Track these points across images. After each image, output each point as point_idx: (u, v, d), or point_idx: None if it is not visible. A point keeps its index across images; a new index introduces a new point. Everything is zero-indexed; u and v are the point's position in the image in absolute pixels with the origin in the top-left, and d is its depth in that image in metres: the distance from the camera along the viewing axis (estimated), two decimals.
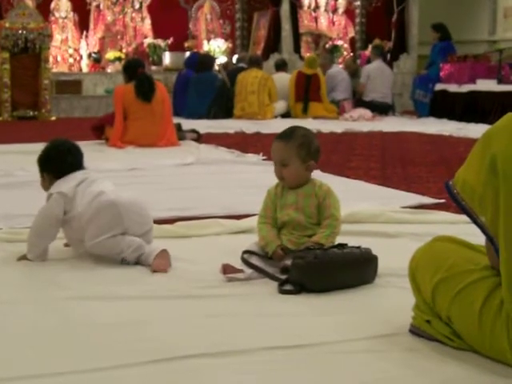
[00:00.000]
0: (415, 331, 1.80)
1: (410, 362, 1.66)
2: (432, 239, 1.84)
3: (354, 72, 11.16)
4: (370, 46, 12.50)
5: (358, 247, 2.29)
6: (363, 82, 10.88)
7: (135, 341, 1.79)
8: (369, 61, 11.62)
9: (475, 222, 1.60)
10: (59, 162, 2.64)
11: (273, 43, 13.00)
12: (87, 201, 2.55)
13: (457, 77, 10.14)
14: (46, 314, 2.01)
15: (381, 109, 10.70)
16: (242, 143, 6.88)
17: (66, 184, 2.58)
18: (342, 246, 2.28)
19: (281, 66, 11.18)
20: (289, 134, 2.45)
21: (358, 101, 10.79)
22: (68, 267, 2.50)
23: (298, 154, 2.41)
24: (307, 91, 10.41)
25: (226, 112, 10.29)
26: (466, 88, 9.85)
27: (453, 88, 10.11)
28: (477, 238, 1.79)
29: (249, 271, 2.32)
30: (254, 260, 2.37)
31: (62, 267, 2.50)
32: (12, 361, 1.67)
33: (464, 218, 3.02)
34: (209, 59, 10.85)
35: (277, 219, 2.46)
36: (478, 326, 1.61)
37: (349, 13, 14.34)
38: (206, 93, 10.17)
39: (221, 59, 12.38)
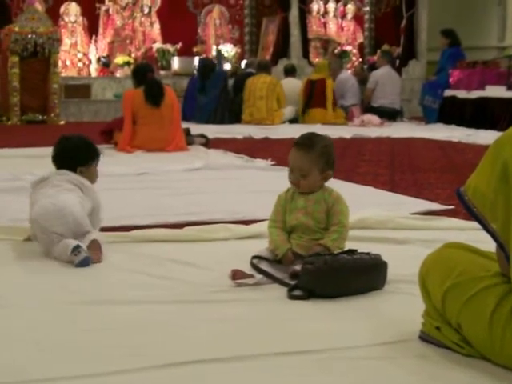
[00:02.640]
0: (425, 338, 1.80)
1: (420, 368, 1.66)
2: (442, 246, 1.84)
3: (363, 79, 11.16)
4: (378, 52, 12.51)
5: (368, 253, 2.29)
6: (371, 87, 10.88)
7: (143, 345, 1.79)
8: (374, 66, 11.62)
9: (486, 228, 1.60)
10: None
11: (281, 48, 13.01)
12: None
13: (466, 83, 10.13)
14: (53, 319, 2.01)
15: (389, 115, 10.70)
16: (251, 148, 6.88)
17: (37, 177, 2.91)
18: (352, 251, 2.28)
19: (290, 72, 11.20)
20: (310, 144, 2.41)
21: (367, 107, 10.80)
22: (76, 271, 2.50)
23: (317, 165, 2.41)
24: (310, 97, 10.43)
25: (234, 114, 10.32)
26: (475, 94, 9.84)
27: (462, 94, 10.09)
28: (487, 244, 1.79)
29: (258, 276, 2.32)
30: (264, 265, 2.38)
31: (69, 271, 2.51)
32: (18, 365, 1.67)
33: (473, 224, 3.02)
34: (210, 61, 11.05)
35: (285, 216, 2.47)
36: (489, 333, 1.60)
37: (358, 18, 14.35)
38: (211, 94, 10.24)
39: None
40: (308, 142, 2.43)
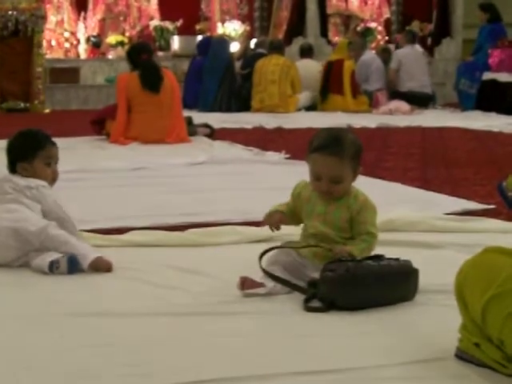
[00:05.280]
0: (462, 356, 1.79)
1: None
2: (482, 250, 1.83)
3: (386, 61, 11.14)
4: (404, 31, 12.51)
5: (397, 259, 2.29)
6: (394, 67, 10.83)
7: (144, 363, 1.79)
8: (397, 47, 11.63)
9: None
10: None
11: (296, 26, 13.03)
12: None
13: (508, 64, 10.10)
14: (45, 332, 2.02)
15: (420, 100, 10.67)
16: (262, 140, 6.90)
17: None
18: (378, 257, 2.27)
19: (306, 52, 11.20)
20: (341, 147, 2.35)
21: (394, 91, 10.76)
22: (65, 280, 2.51)
23: (352, 168, 2.38)
24: (327, 80, 10.41)
25: (242, 100, 10.32)
26: None
27: (503, 77, 10.06)
28: None
29: (270, 285, 2.32)
30: (277, 271, 2.35)
31: (59, 280, 2.51)
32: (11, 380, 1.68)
33: None
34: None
35: (295, 208, 2.48)
36: None
37: None
38: (214, 77, 10.26)
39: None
40: (337, 144, 2.36)
